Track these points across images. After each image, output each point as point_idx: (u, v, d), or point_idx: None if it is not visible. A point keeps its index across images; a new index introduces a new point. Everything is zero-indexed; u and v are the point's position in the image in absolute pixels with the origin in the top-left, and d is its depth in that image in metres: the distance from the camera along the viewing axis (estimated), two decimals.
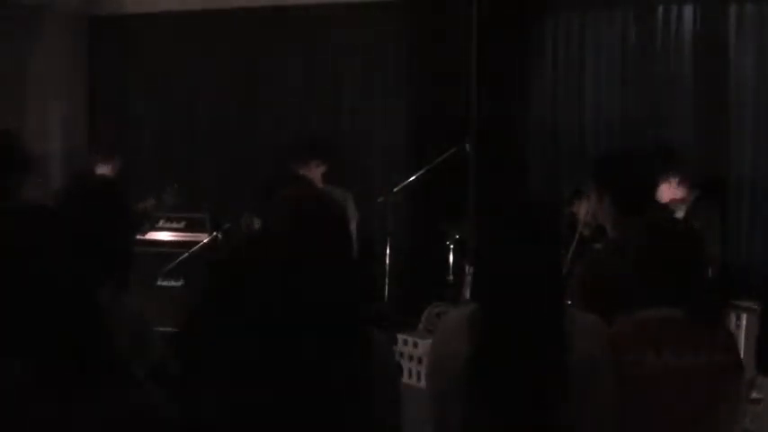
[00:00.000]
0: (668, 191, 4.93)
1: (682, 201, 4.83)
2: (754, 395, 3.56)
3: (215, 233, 6.98)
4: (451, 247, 6.48)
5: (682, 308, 2.65)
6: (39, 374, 1.64)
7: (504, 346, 2.28)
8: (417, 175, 6.68)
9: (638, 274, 2.76)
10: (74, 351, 1.66)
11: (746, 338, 4.62)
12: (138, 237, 7.05)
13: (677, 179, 4.89)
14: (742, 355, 2.82)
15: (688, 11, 6.86)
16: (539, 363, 2.26)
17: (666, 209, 4.88)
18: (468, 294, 5.84)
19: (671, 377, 2.58)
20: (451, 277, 6.54)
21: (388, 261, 6.67)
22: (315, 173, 6.20)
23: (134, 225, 2.48)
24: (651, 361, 2.58)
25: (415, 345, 5.60)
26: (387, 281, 6.62)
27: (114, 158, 6.74)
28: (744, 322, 4.91)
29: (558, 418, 2.25)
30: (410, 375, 5.54)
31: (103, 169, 6.67)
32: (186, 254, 6.87)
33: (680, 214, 4.82)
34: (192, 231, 7.40)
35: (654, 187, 3.63)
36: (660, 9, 6.94)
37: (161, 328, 2.73)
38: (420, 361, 5.44)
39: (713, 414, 2.64)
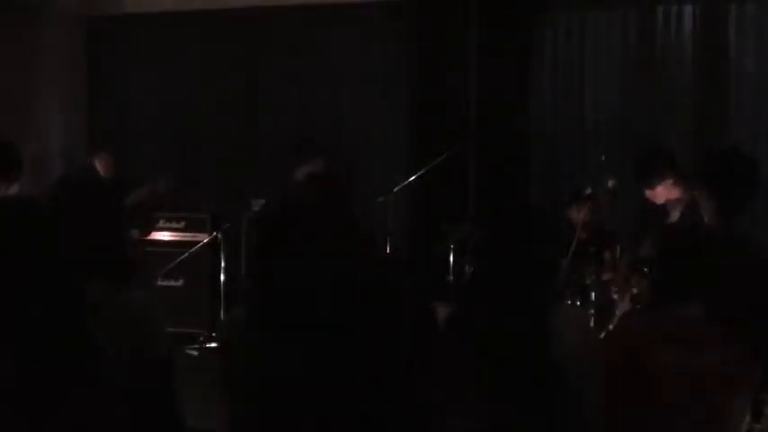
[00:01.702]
0: (665, 191, 4.91)
1: (678, 201, 4.81)
2: None
3: (215, 233, 6.99)
4: (451, 247, 6.47)
5: (699, 307, 2.64)
6: (21, 370, 1.63)
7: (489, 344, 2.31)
8: (417, 175, 6.67)
9: (661, 271, 2.79)
10: (54, 347, 1.65)
11: None
12: (139, 237, 7.07)
13: (673, 180, 4.88)
14: None
15: (688, 11, 6.86)
16: (523, 359, 2.31)
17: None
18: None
19: (685, 375, 2.57)
20: (451, 277, 6.52)
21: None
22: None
23: (125, 221, 2.47)
24: (666, 358, 2.57)
25: None
26: None
27: (107, 155, 6.77)
28: None
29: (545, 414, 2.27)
30: None
31: (98, 166, 6.70)
32: (186, 254, 6.89)
33: (676, 214, 4.81)
34: (192, 231, 7.41)
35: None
36: (660, 9, 6.94)
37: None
38: None
39: (727, 413, 2.63)
